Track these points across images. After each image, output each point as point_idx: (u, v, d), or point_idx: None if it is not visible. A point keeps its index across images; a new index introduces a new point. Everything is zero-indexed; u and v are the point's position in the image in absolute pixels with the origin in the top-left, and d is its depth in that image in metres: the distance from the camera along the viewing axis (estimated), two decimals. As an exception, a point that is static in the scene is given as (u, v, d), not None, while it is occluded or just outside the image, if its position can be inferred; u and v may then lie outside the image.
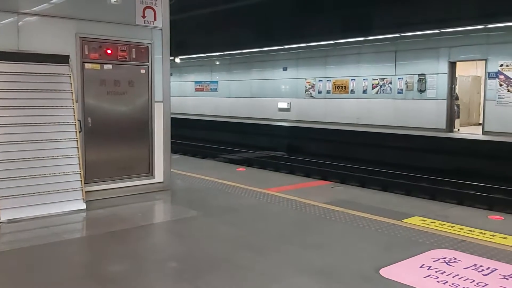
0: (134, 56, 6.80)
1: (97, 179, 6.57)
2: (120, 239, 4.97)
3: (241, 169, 9.97)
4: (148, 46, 6.93)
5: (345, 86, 17.85)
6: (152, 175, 7.07)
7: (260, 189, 7.32)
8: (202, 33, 20.91)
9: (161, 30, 7.05)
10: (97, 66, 6.56)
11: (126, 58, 6.74)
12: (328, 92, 18.52)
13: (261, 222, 5.66)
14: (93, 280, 3.88)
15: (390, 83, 16.38)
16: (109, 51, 6.61)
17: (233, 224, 5.52)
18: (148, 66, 6.95)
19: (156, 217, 6.36)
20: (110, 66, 6.65)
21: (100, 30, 6.55)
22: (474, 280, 3.77)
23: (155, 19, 6.96)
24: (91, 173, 6.48)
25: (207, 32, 20.64)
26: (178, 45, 19.61)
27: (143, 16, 6.86)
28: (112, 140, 6.75)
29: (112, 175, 6.71)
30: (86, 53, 6.45)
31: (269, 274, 3.96)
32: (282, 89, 20.54)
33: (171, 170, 7.47)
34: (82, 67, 6.42)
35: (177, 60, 23.86)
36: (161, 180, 7.14)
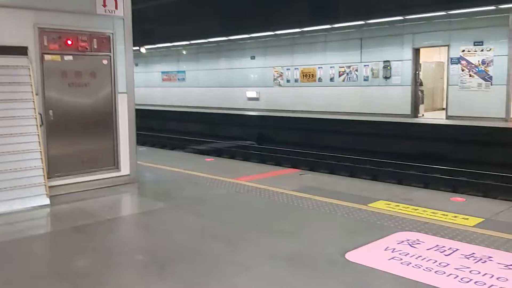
0: (95, 47, 6.65)
1: (61, 173, 6.43)
2: (86, 233, 4.89)
3: (210, 159, 9.94)
4: (109, 36, 6.78)
5: (312, 74, 17.95)
6: (117, 168, 6.96)
7: (229, 179, 7.31)
8: (168, 22, 20.59)
9: (123, 19, 6.90)
10: (57, 57, 6.39)
11: (87, 49, 6.58)
12: (296, 81, 18.60)
13: (230, 212, 5.66)
14: (58, 276, 3.81)
15: (357, 70, 16.56)
16: (69, 42, 6.44)
17: (201, 215, 5.50)
18: (111, 57, 6.80)
19: (123, 210, 6.29)
20: (71, 57, 6.48)
21: (59, 20, 6.37)
22: (436, 261, 3.87)
23: (116, 8, 6.80)
24: (54, 168, 6.34)
25: (173, 21, 20.34)
26: (143, 35, 19.30)
27: (104, 5, 6.70)
28: (75, 133, 6.61)
29: (76, 169, 6.58)
30: (46, 44, 6.28)
31: (237, 263, 3.97)
32: (250, 78, 20.50)
33: (138, 162, 7.38)
34: (42, 58, 6.24)
35: (143, 50, 23.46)
36: (127, 172, 7.04)
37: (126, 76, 6.98)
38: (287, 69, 18.89)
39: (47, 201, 5.86)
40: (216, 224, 5.16)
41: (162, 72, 25.21)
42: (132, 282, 3.73)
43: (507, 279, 3.48)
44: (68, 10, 6.45)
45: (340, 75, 17.07)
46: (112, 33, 6.80)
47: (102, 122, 6.83)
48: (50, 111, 6.33)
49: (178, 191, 6.72)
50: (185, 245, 4.43)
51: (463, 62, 13.98)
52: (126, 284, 3.69)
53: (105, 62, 6.78)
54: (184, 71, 23.93)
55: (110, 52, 6.80)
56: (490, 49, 13.45)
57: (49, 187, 6.01)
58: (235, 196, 6.37)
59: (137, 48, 22.11)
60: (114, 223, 5.34)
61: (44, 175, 5.94)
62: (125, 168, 7.01)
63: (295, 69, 18.58)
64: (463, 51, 13.94)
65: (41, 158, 5.96)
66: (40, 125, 6.08)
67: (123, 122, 6.97)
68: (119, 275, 3.83)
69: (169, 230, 4.97)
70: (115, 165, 6.95)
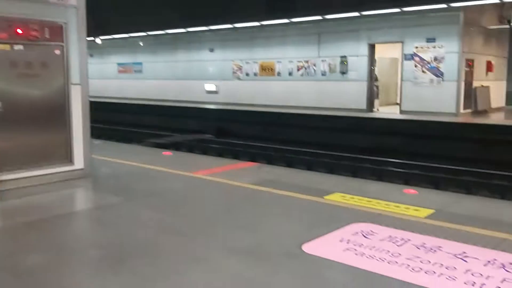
0: (47, 36, 6.40)
1: (10, 167, 6.17)
2: (37, 229, 4.73)
3: (167, 153, 9.81)
4: (62, 25, 6.54)
5: (271, 68, 18.04)
6: (71, 162, 6.75)
7: (187, 173, 7.25)
8: (125, 12, 20.13)
9: (77, 8, 6.68)
10: (7, 47, 6.11)
11: (38, 38, 6.33)
12: (255, 74, 18.64)
13: (187, 206, 5.62)
14: (7, 273, 3.66)
15: (315, 65, 16.77)
16: (19, 31, 6.17)
17: (158, 209, 5.44)
18: (63, 47, 6.58)
19: (76, 205, 6.12)
20: (21, 47, 6.22)
21: (9, 7, 6.07)
22: (389, 251, 3.99)
23: (69, -3, 6.58)
24: (3, 162, 6.07)
25: (130, 11, 19.90)
26: (99, 25, 18.78)
27: (56, -7, 6.46)
28: (26, 126, 6.35)
29: (27, 163, 6.34)
30: (-7, 32, 6.00)
31: (194, 257, 3.95)
32: (209, 71, 20.37)
33: (93, 156, 7.19)
34: (-11, 47, 5.96)
35: (98, 40, 22.84)
36: (81, 166, 6.85)
37: (80, 67, 6.76)
38: (246, 62, 18.89)
39: (-5, 196, 5.64)
40: (173, 218, 5.11)
41: (118, 64, 24.66)
42: (86, 278, 3.64)
43: (455, 268, 3.63)
44: (18, -3, 6.18)
45: (298, 70, 17.23)
46: (65, 22, 6.57)
47: (55, 114, 6.60)
48: (-1, 103, 6.06)
49: (134, 185, 6.61)
50: (140, 240, 4.37)
51: (416, 58, 14.41)
52: (80, 280, 3.60)
53: (57, 52, 6.55)
54: (141, 63, 23.50)
55: (63, 42, 6.57)
56: (442, 46, 13.93)
57: (-2, 181, 5.78)
58: (192, 190, 6.33)
59: (92, 38, 21.51)
60: (67, 218, 5.19)
61: (-8, 169, 5.70)
62: (78, 162, 6.82)
63: (254, 62, 18.61)
64: (416, 47, 14.38)
65: (-11, 152, 5.72)
66: (-12, 117, 5.83)
67: (77, 114, 6.76)
68: (73, 271, 3.73)
69: (124, 225, 4.88)
70: (68, 159, 6.74)
